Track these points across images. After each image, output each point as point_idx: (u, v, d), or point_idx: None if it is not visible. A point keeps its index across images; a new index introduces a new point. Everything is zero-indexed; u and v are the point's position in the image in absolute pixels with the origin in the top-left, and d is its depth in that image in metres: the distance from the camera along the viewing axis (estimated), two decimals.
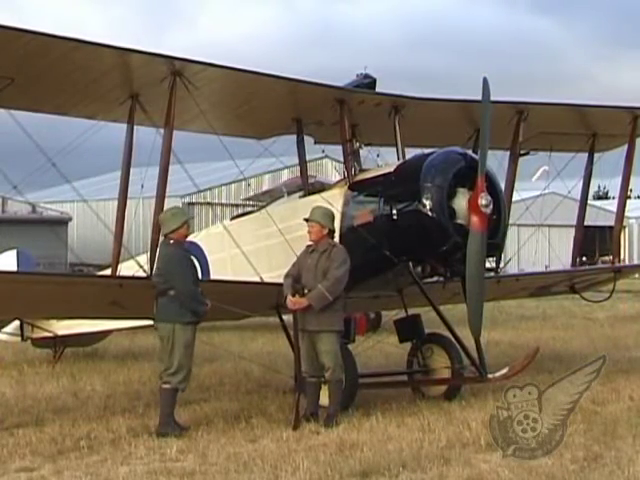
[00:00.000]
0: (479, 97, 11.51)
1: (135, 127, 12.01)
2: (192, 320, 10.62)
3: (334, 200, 12.25)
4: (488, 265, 12.34)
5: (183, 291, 10.55)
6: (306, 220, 11.30)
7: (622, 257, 21.63)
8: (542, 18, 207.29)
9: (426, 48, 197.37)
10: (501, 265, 13.79)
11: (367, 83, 13.31)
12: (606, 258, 28.76)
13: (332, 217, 11.37)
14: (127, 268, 12.12)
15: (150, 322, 11.12)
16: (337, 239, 11.54)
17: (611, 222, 17.18)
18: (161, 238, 11.09)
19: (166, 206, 11.80)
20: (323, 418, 10.80)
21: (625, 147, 15.33)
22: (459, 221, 11.44)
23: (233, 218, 14.84)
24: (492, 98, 11.60)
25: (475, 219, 11.20)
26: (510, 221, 12.44)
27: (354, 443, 9.62)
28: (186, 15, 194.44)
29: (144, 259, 11.84)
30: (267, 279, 11.95)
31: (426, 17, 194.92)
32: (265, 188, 26.31)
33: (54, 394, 13.24)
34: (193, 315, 10.56)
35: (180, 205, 41.12)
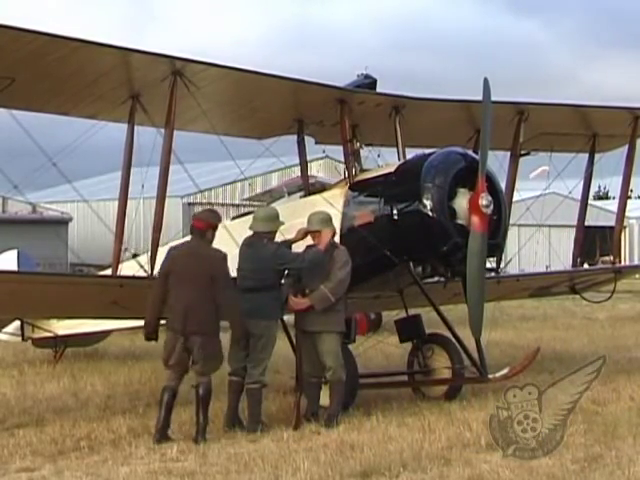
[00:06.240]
0: (470, 97, 11.52)
1: (136, 127, 12.02)
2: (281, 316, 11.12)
3: (335, 200, 12.25)
4: (489, 265, 12.34)
5: (311, 260, 10.91)
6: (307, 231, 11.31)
7: (622, 257, 21.60)
8: (526, 20, 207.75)
9: (411, 50, 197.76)
10: (502, 265, 13.79)
11: (368, 83, 13.31)
12: (606, 258, 28.72)
13: (330, 219, 11.36)
14: (128, 268, 12.13)
15: None
16: (338, 239, 11.54)
17: (612, 222, 17.18)
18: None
19: (167, 206, 11.83)
20: (324, 418, 10.80)
21: (625, 147, 15.34)
22: (460, 221, 11.45)
23: (234, 218, 14.84)
24: (492, 99, 11.61)
25: (476, 219, 11.21)
26: (511, 221, 12.44)
27: (354, 443, 9.62)
28: (164, 16, 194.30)
29: (144, 259, 11.84)
30: None
31: (409, 19, 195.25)
32: (266, 188, 26.29)
33: (55, 394, 13.25)
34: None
35: (181, 205, 41.20)
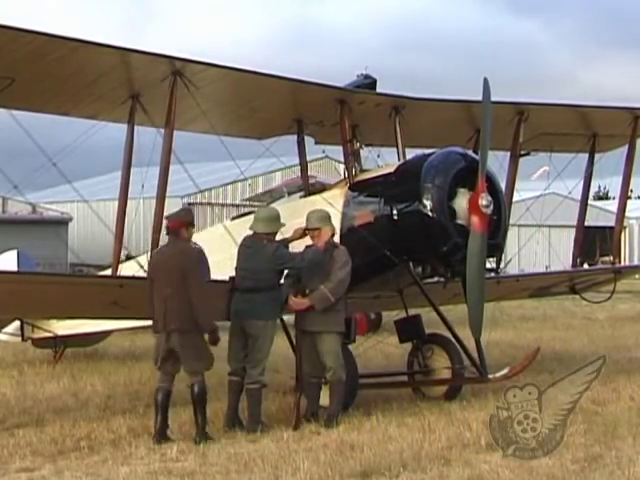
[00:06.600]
0: (470, 97, 11.52)
1: (136, 127, 12.03)
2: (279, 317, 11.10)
3: (335, 200, 12.25)
4: (488, 265, 12.34)
5: (310, 259, 10.92)
6: (306, 229, 11.32)
7: (622, 257, 21.62)
8: (526, 20, 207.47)
9: (411, 50, 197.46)
10: (501, 265, 13.79)
11: (367, 83, 13.31)
12: (606, 259, 28.78)
13: (329, 217, 11.37)
14: (128, 268, 12.13)
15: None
16: (338, 239, 11.54)
17: (611, 222, 17.20)
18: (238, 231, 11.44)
19: (167, 206, 11.83)
20: (324, 418, 10.80)
21: (625, 147, 15.34)
22: (459, 221, 11.46)
23: (234, 218, 14.85)
24: (493, 99, 11.61)
25: (475, 219, 11.21)
26: (510, 221, 12.45)
27: (354, 443, 9.62)
28: (163, 17, 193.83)
29: (144, 259, 11.84)
30: None
31: (409, 19, 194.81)
32: (266, 188, 26.25)
33: (54, 394, 13.24)
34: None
35: (181, 205, 41.24)
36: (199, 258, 10.36)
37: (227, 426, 10.58)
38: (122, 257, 12.85)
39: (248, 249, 11.00)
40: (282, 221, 11.20)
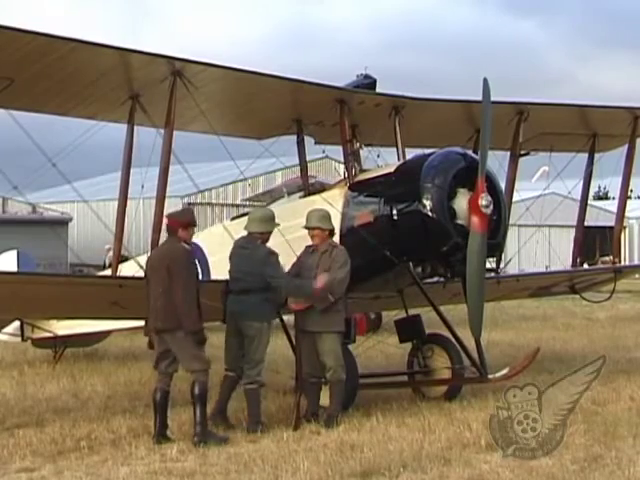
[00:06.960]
0: (465, 97, 11.52)
1: (135, 127, 12.03)
2: (274, 317, 11.05)
3: (334, 200, 12.25)
4: (488, 265, 12.34)
5: (288, 286, 10.89)
6: (306, 227, 11.33)
7: (622, 257, 21.62)
8: (525, 20, 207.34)
9: (411, 50, 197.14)
10: (501, 265, 13.79)
11: (367, 83, 13.31)
12: (606, 258, 28.79)
13: (329, 217, 11.38)
14: (127, 268, 12.12)
15: None
16: (337, 240, 11.55)
17: (611, 222, 17.19)
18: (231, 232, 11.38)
19: (166, 206, 11.83)
20: (323, 418, 10.80)
21: (625, 147, 15.34)
22: (459, 222, 11.45)
23: (233, 218, 14.85)
24: (492, 99, 11.61)
25: (475, 219, 11.21)
26: (510, 221, 12.44)
27: (354, 443, 9.63)
28: (162, 17, 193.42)
29: (144, 259, 11.84)
30: None
31: (409, 19, 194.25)
32: (266, 189, 26.25)
33: (54, 394, 13.25)
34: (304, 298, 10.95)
35: (181, 205, 41.29)
36: (185, 258, 10.27)
37: (213, 415, 10.54)
38: (110, 256, 12.88)
39: (243, 250, 10.99)
40: (283, 221, 11.20)
